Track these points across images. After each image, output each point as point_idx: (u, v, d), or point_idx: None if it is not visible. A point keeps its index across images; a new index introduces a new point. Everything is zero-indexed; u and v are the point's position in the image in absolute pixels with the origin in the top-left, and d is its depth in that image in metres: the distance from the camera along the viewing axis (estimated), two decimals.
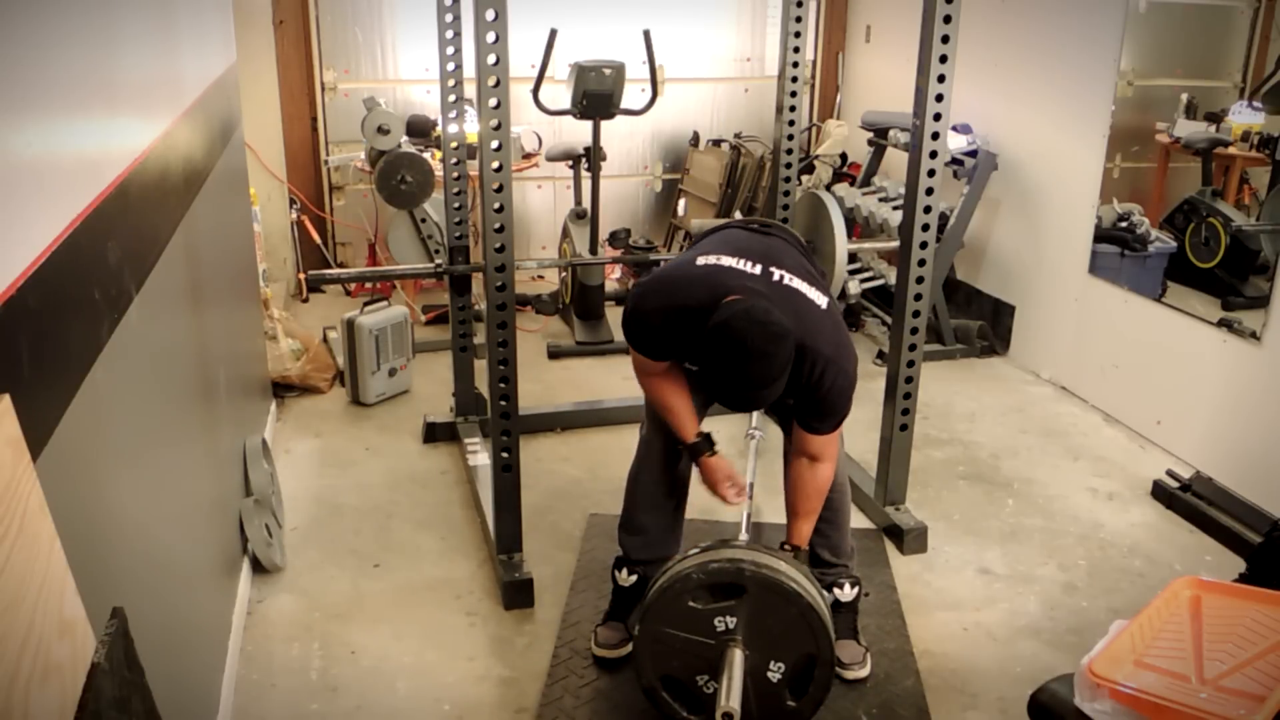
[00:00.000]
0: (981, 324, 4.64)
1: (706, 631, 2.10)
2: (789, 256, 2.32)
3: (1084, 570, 2.96)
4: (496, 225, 2.52)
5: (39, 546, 1.02)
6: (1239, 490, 3.17)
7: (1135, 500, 3.36)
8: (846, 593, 2.51)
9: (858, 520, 3.01)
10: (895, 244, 3.19)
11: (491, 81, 2.39)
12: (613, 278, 5.24)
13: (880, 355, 4.45)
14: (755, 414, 2.75)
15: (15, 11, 1.19)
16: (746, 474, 2.56)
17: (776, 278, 2.20)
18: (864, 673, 2.45)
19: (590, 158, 4.63)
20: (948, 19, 2.69)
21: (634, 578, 2.51)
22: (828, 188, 5.02)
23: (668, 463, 2.46)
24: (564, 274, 4.98)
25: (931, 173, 2.82)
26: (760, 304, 2.05)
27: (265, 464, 3.01)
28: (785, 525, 2.38)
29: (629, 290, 2.18)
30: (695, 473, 2.47)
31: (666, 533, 2.52)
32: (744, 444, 2.73)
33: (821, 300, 2.23)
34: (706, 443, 2.35)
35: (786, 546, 2.33)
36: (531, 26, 4.31)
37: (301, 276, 4.86)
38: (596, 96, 4.39)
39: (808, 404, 2.21)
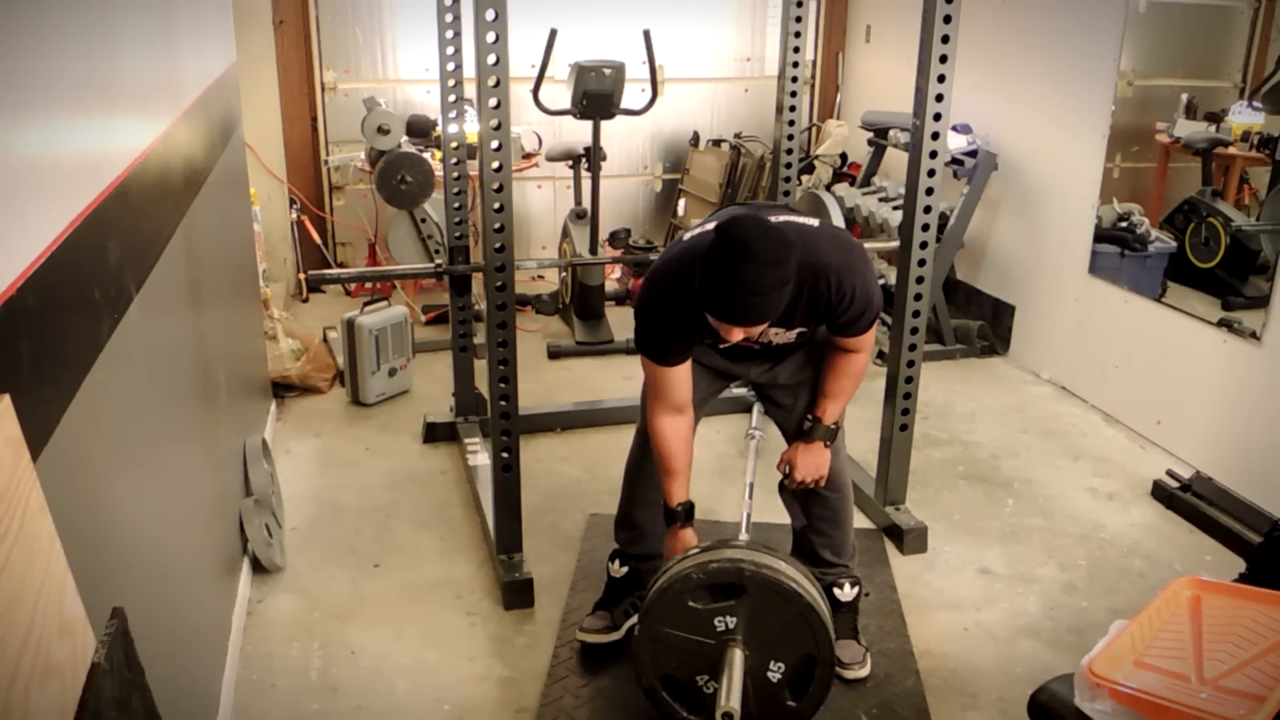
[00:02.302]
0: (981, 324, 4.64)
1: (706, 631, 2.10)
2: (778, 212, 2.31)
3: (1084, 570, 2.96)
4: (496, 225, 2.52)
5: (39, 546, 1.02)
6: (1239, 490, 3.17)
7: (1135, 500, 3.36)
8: (846, 592, 2.51)
9: (858, 520, 3.00)
10: (895, 244, 3.18)
11: (491, 81, 2.39)
12: (613, 278, 5.24)
13: (880, 355, 4.44)
14: (755, 414, 2.75)
15: (15, 11, 1.19)
16: (747, 474, 2.56)
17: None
18: (864, 673, 2.45)
19: (590, 158, 4.63)
20: (948, 19, 2.69)
21: (625, 569, 2.53)
22: (828, 188, 5.02)
23: None
24: (564, 274, 4.97)
25: (931, 173, 2.82)
26: (766, 216, 2.05)
27: (265, 464, 3.01)
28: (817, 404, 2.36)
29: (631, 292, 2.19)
30: (692, 470, 2.46)
31: (661, 531, 2.52)
32: (744, 444, 2.74)
33: (814, 221, 2.22)
34: (684, 515, 2.32)
35: (810, 417, 2.33)
36: (531, 26, 4.31)
37: (301, 276, 4.85)
38: (596, 96, 4.39)
39: (836, 319, 2.19)
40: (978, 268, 4.81)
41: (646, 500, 2.49)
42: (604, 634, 2.51)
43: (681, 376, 2.24)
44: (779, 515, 2.65)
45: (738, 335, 2.04)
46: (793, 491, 2.48)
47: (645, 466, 2.47)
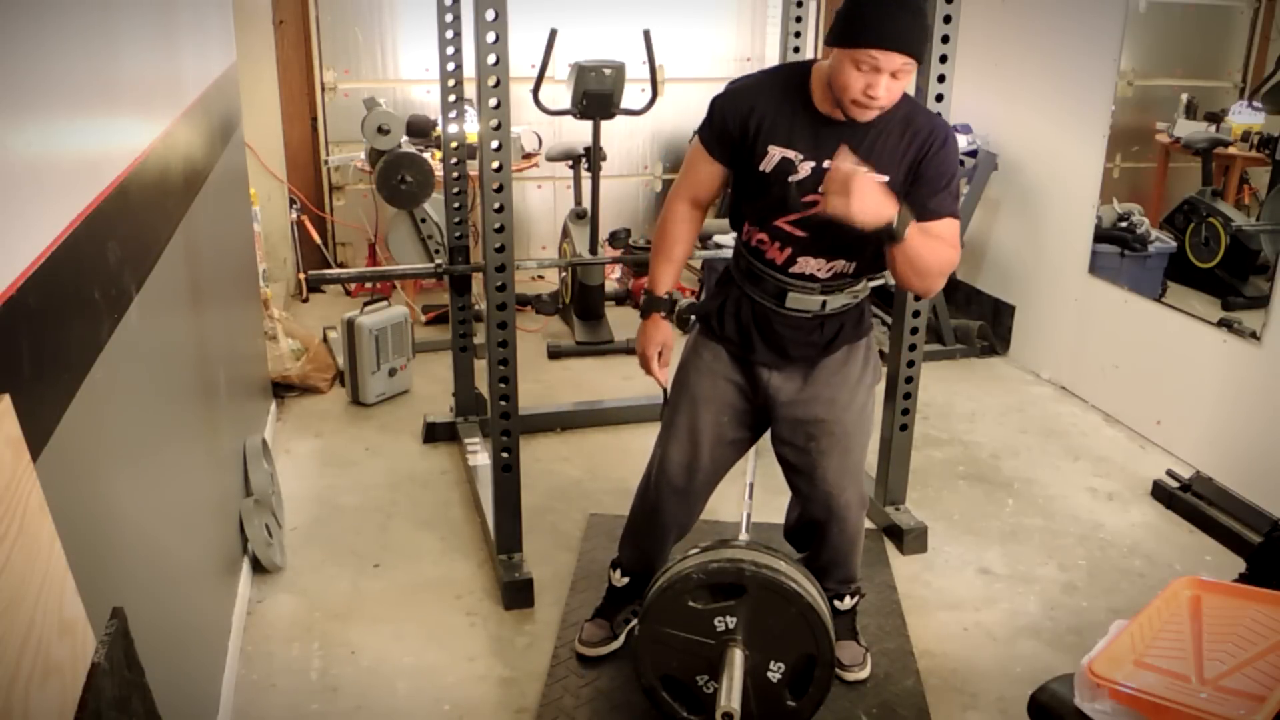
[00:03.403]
0: (981, 324, 4.64)
1: (706, 631, 2.10)
2: None
3: (1084, 570, 2.96)
4: (496, 225, 2.52)
5: (39, 546, 1.02)
6: (1239, 490, 3.17)
7: (1135, 500, 3.36)
8: (846, 603, 2.49)
9: None
10: None
11: (491, 81, 2.39)
12: (613, 278, 5.24)
13: (880, 355, 4.44)
14: None
15: (15, 12, 1.19)
16: (747, 474, 2.56)
17: None
18: (864, 674, 2.45)
19: (590, 158, 4.62)
20: (948, 19, 2.69)
21: (627, 579, 2.51)
22: None
23: (677, 499, 2.36)
24: (564, 274, 4.97)
25: None
26: None
27: (265, 464, 3.01)
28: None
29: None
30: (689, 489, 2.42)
31: (665, 558, 2.49)
32: None
33: None
34: (668, 303, 2.30)
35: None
36: (531, 26, 4.30)
37: (301, 276, 4.86)
38: (596, 96, 4.39)
39: (926, 165, 2.07)
40: (978, 268, 4.81)
41: (656, 533, 2.43)
42: (602, 645, 2.51)
43: (715, 177, 2.23)
44: (779, 515, 2.64)
45: (865, 88, 1.93)
46: (805, 525, 2.43)
47: (654, 506, 2.40)
